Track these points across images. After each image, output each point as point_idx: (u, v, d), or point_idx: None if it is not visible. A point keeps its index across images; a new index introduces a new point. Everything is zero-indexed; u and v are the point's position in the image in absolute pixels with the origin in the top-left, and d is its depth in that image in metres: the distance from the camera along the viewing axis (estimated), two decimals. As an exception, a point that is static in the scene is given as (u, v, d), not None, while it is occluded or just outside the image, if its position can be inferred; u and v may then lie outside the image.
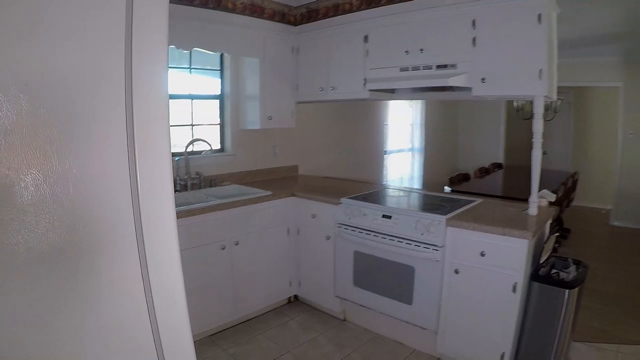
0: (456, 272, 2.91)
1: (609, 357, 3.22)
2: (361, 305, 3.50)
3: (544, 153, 10.52)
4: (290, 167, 4.85)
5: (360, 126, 5.89)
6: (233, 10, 3.71)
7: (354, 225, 3.39)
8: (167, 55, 0.90)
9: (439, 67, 3.30)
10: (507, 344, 2.82)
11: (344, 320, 3.74)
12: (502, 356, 2.82)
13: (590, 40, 6.23)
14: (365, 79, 3.78)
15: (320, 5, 4.09)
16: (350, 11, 3.88)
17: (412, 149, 7.07)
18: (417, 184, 7.04)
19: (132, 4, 0.81)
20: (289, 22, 4.22)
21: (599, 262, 5.43)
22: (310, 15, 4.22)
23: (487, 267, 2.80)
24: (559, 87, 7.95)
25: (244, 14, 3.80)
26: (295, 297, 4.06)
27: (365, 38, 3.76)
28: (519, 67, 2.96)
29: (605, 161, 8.38)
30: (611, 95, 7.91)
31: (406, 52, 3.47)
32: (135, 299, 0.88)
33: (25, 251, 0.71)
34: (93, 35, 0.78)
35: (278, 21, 4.11)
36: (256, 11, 3.91)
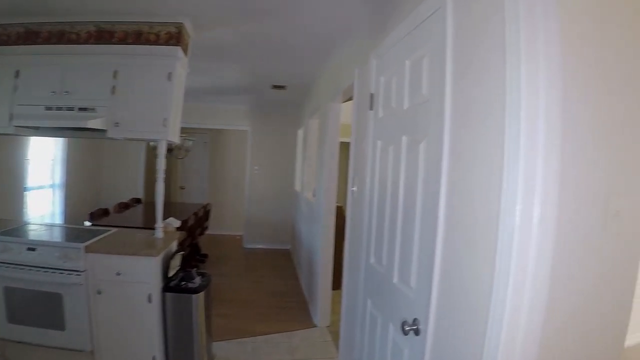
0: (99, 292, 3.21)
1: (247, 347, 4.05)
2: (19, 342, 3.35)
3: (182, 187, 11.39)
4: None
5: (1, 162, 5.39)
6: None
7: (1, 261, 3.28)
8: None
9: (80, 109, 3.52)
10: (154, 348, 3.28)
11: (7, 361, 3.49)
12: (154, 358, 3.27)
13: (225, 90, 7.19)
14: (11, 114, 3.63)
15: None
16: (7, 43, 3.72)
17: (53, 185, 6.70)
18: (59, 220, 6.69)
19: None
20: None
21: (236, 278, 6.56)
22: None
23: (124, 285, 3.21)
24: (197, 129, 8.98)
25: None
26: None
27: (17, 73, 3.65)
28: (148, 115, 3.48)
29: (237, 193, 9.68)
30: (242, 136, 9.28)
31: (53, 92, 3.57)
32: None
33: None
34: None
35: None
36: None
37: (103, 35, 3.60)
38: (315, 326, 4.63)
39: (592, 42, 1.25)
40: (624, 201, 1.29)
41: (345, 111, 4.32)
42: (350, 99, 3.59)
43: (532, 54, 1.20)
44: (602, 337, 1.35)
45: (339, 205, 4.86)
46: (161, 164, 3.60)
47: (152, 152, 8.48)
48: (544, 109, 1.19)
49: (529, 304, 1.21)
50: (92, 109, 3.52)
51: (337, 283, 4.70)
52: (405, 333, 1.80)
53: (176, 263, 3.57)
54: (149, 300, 3.21)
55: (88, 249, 3.22)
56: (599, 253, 1.29)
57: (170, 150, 7.61)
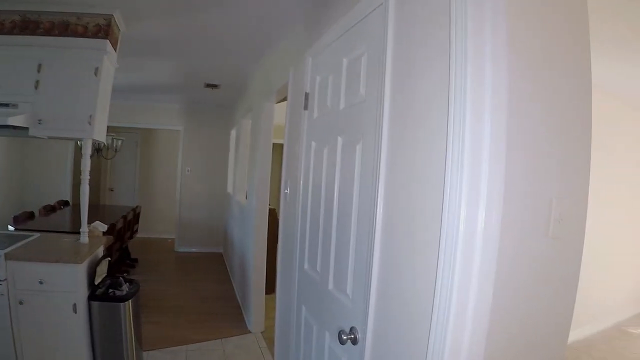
0: (21, 303, 2.97)
1: (179, 356, 3.90)
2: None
3: (111, 189, 10.83)
4: None
5: None
6: None
7: None
8: None
9: (1, 105, 3.25)
10: (80, 361, 3.07)
11: None
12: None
13: (157, 88, 6.91)
14: None
15: None
16: None
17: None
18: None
19: None
20: None
21: (167, 284, 6.33)
22: None
23: (48, 294, 2.99)
24: (127, 128, 8.57)
25: None
26: None
27: None
28: (73, 112, 3.27)
29: (169, 195, 9.34)
30: (174, 136, 9.00)
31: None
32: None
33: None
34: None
35: None
36: None
37: (28, 25, 3.36)
38: (249, 332, 4.56)
39: (539, 42, 1.24)
40: (566, 206, 1.30)
41: (280, 112, 4.29)
42: (284, 99, 3.55)
43: (479, 50, 1.16)
44: (546, 341, 1.35)
45: (272, 207, 4.84)
46: (86, 164, 3.43)
47: (80, 151, 8.01)
48: (490, 109, 1.14)
49: (473, 312, 1.17)
50: (14, 105, 3.26)
51: (271, 287, 4.67)
52: (343, 342, 1.74)
53: (103, 270, 3.40)
54: (75, 310, 3.03)
55: (8, 256, 2.99)
56: (542, 257, 1.29)
57: (99, 150, 7.27)
